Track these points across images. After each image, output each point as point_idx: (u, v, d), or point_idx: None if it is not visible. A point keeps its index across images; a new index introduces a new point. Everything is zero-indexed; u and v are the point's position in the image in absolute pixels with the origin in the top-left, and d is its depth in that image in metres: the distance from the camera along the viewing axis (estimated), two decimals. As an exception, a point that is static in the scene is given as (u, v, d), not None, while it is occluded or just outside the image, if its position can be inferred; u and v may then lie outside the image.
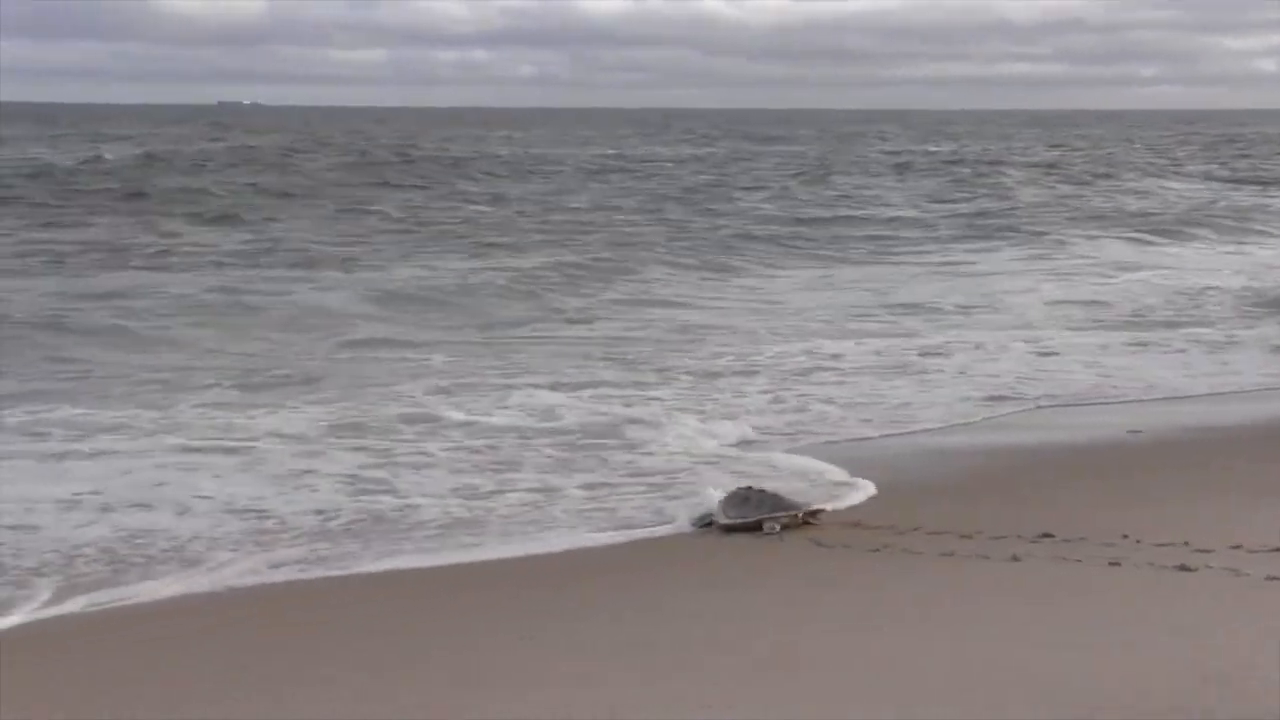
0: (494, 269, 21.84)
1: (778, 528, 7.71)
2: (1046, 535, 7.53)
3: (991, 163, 55.67)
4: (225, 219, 29.37)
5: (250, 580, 7.22)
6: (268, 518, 8.36)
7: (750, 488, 8.03)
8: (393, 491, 8.94)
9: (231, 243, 25.53)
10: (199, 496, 8.78)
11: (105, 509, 8.48)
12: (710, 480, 8.73)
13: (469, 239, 26.74)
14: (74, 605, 6.82)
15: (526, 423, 10.93)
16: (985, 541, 7.47)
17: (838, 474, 9.29)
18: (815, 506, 7.98)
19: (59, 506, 8.50)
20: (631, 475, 9.37)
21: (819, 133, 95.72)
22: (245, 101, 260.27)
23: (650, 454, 9.95)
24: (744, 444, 10.36)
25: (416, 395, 12.06)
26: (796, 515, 7.79)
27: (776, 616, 6.41)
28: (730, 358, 14.19)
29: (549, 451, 10.00)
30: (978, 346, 14.96)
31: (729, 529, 7.83)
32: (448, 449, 10.07)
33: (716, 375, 13.21)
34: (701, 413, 11.33)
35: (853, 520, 7.96)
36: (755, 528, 7.76)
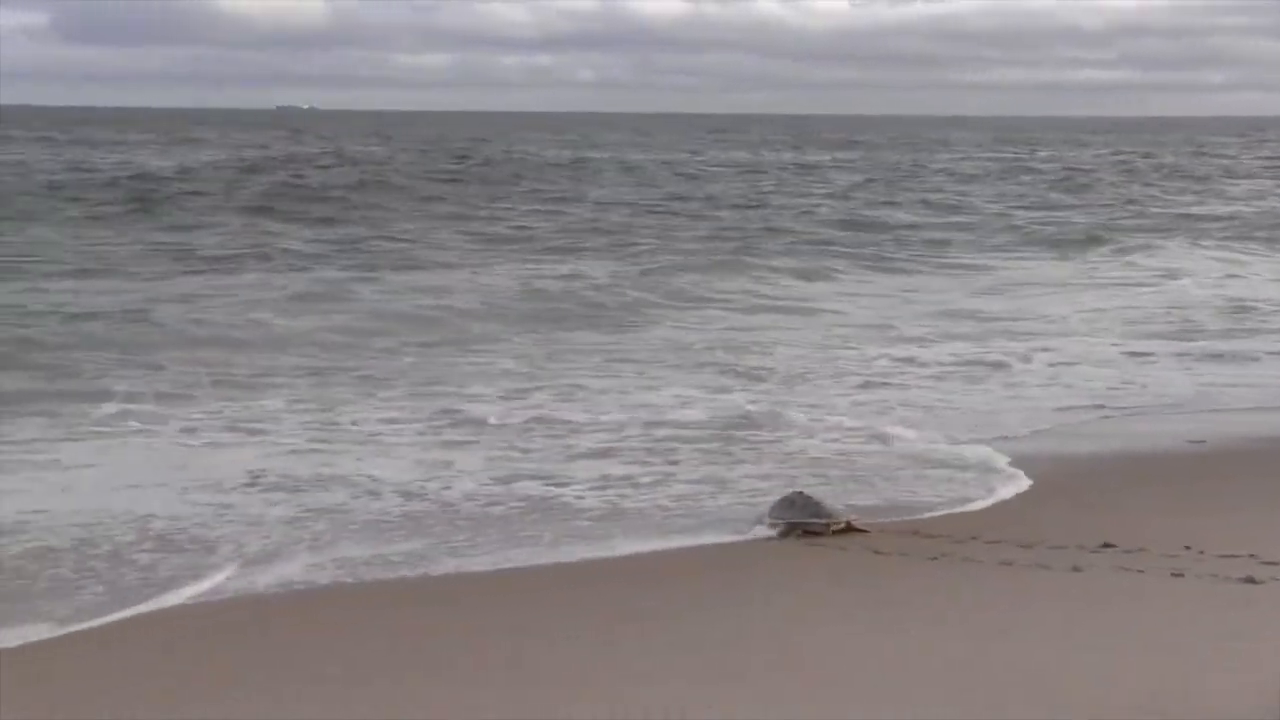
0: (562, 274, 21.99)
1: (800, 533, 7.83)
2: (1108, 545, 7.53)
3: (1069, 169, 55.02)
4: (321, 221, 29.78)
5: (338, 576, 7.34)
6: (418, 500, 8.69)
7: (800, 492, 8.14)
8: (550, 479, 9.22)
9: (318, 243, 25.85)
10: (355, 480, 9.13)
11: (284, 489, 8.91)
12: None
13: (538, 242, 26.96)
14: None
15: (637, 416, 11.12)
16: (1045, 551, 7.49)
17: (1003, 465, 9.57)
18: (850, 520, 8.00)
19: (240, 489, 8.92)
20: (795, 467, 9.54)
21: (889, 139, 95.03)
22: (304, 106, 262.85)
23: (833, 440, 10.35)
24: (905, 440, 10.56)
25: (491, 394, 12.26)
26: (827, 526, 7.88)
27: (811, 620, 6.49)
28: (809, 361, 14.26)
29: (697, 446, 10.14)
30: (1052, 352, 14.94)
31: (781, 530, 7.96)
32: (568, 442, 10.29)
33: (798, 379, 13.27)
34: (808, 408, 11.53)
35: (911, 529, 7.99)
36: (788, 532, 7.90)
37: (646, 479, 9.24)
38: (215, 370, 13.46)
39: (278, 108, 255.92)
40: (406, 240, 26.89)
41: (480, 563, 7.56)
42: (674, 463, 9.66)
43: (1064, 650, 5.93)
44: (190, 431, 10.68)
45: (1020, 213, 36.09)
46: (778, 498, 8.17)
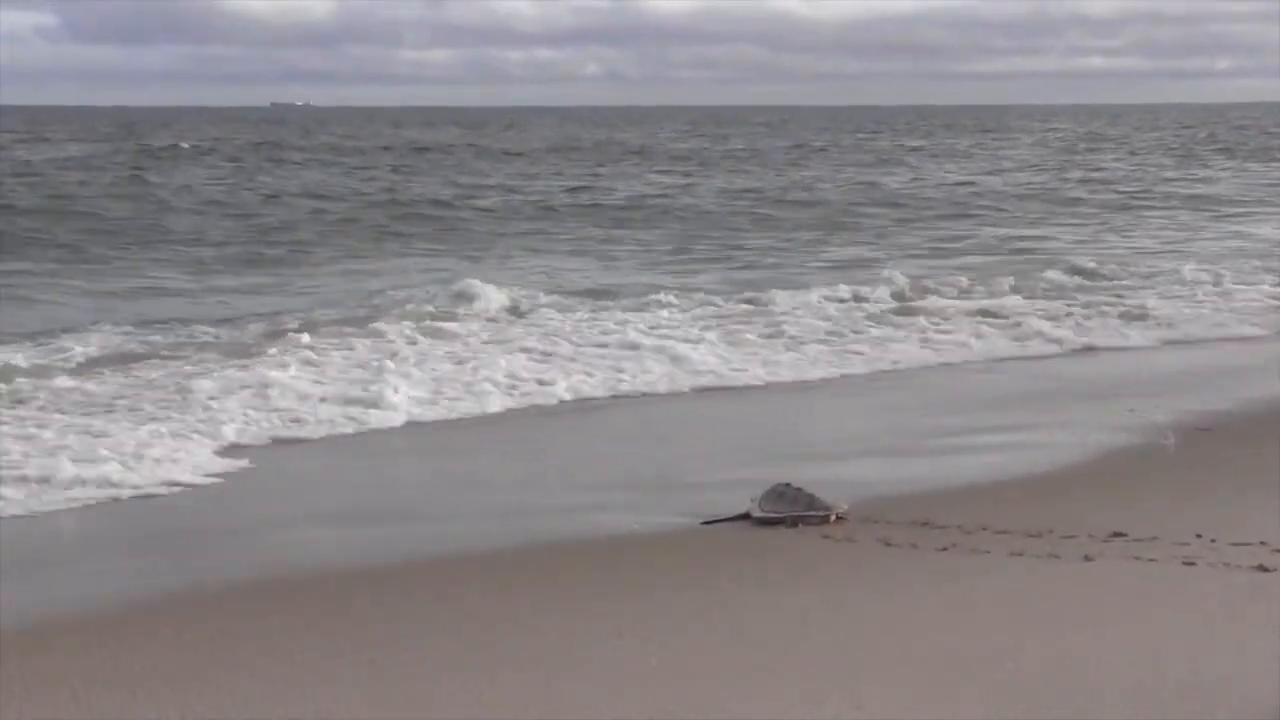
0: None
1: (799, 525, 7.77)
2: (1118, 534, 7.46)
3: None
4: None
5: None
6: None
7: (789, 485, 8.05)
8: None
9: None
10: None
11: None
12: None
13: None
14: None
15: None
16: (1056, 540, 7.42)
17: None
18: (842, 510, 7.95)
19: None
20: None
21: (947, 129, 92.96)
22: (298, 103, 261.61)
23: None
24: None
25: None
26: (828, 517, 7.84)
27: (829, 614, 6.39)
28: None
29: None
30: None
31: (762, 522, 7.91)
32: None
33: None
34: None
35: (921, 519, 7.93)
36: (783, 523, 7.83)
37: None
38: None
39: (272, 104, 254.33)
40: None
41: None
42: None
43: (1089, 640, 5.86)
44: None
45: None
46: (764, 490, 8.10)
